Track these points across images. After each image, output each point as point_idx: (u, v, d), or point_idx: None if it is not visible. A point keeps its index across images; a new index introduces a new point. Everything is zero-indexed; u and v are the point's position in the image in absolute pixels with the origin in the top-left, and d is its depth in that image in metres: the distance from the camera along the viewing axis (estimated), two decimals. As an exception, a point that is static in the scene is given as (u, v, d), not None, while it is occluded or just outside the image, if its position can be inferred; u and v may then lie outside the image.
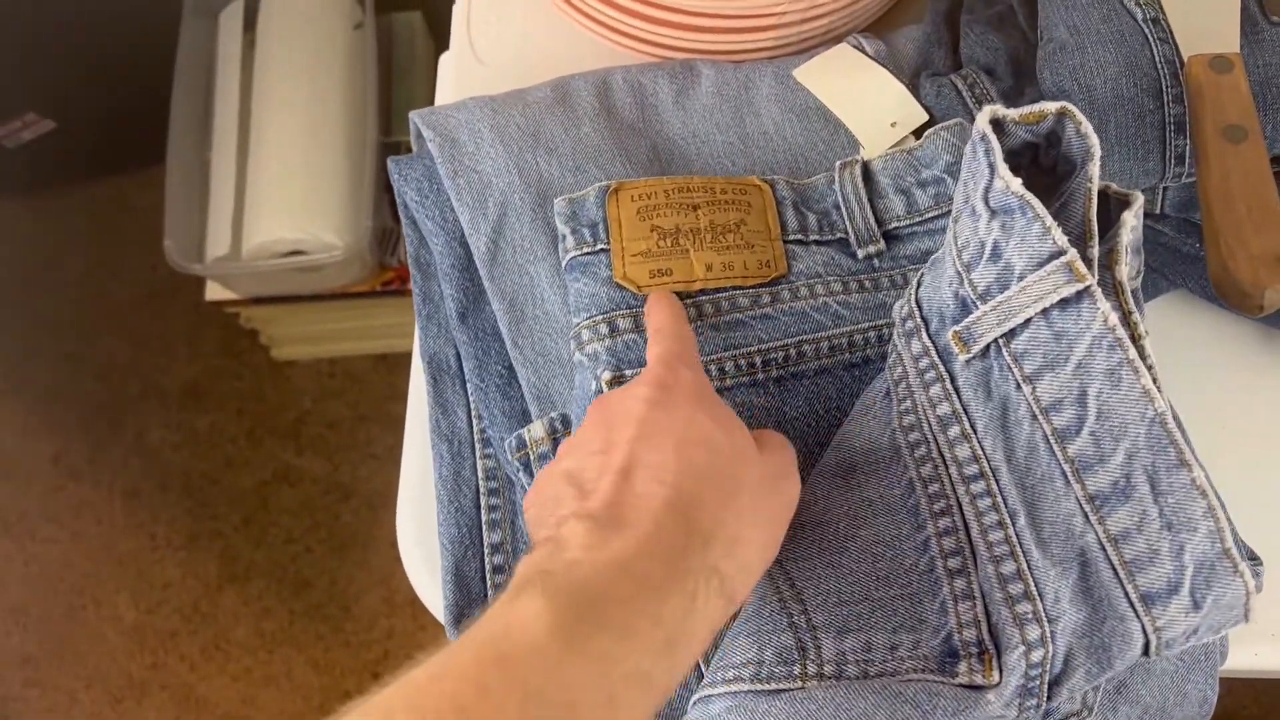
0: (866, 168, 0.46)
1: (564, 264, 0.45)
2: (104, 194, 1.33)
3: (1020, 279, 0.33)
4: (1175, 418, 0.38)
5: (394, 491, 0.49)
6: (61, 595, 1.21)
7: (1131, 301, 0.34)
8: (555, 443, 0.44)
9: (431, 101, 0.55)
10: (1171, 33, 0.41)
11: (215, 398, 1.28)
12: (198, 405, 1.28)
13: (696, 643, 0.29)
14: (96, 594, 1.21)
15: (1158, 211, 0.44)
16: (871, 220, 0.45)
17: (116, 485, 1.25)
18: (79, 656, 1.18)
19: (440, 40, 1.17)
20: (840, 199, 0.46)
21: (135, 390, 1.29)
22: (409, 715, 0.24)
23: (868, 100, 0.48)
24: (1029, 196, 0.33)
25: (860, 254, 0.45)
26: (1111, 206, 0.36)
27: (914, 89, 0.48)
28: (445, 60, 0.57)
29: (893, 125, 0.47)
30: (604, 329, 0.42)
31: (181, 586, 1.21)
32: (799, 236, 0.45)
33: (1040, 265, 0.33)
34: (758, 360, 0.42)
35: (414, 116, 0.50)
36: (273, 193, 0.97)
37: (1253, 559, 0.38)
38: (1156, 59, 0.41)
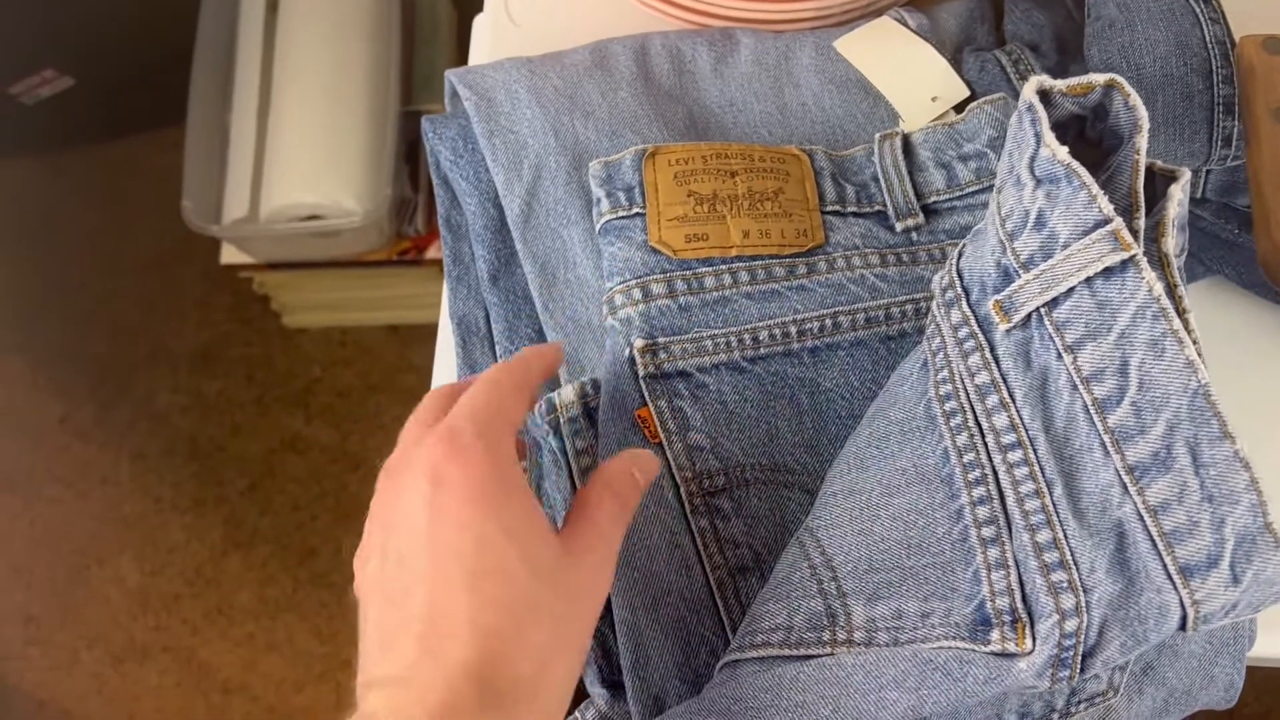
0: (907, 140, 0.46)
1: (598, 227, 0.44)
2: (120, 154, 1.33)
3: (1064, 247, 0.33)
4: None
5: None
6: (65, 555, 1.21)
7: (1177, 275, 0.34)
8: (586, 406, 0.44)
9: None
10: (1223, 12, 0.41)
11: (225, 363, 1.28)
12: (207, 370, 1.28)
13: None
14: (100, 555, 1.21)
15: (1199, 195, 0.44)
16: (910, 193, 0.45)
17: (123, 447, 1.25)
18: (81, 617, 1.19)
19: (463, 9, 1.16)
20: (879, 171, 0.45)
21: (144, 353, 1.29)
22: None
23: (909, 73, 0.47)
24: (1075, 165, 0.33)
25: (898, 227, 0.45)
26: (1157, 183, 0.35)
27: (956, 64, 0.47)
28: (480, 21, 0.57)
29: (933, 99, 0.47)
30: (637, 293, 0.42)
31: (186, 550, 1.21)
32: (836, 207, 0.45)
33: (1085, 233, 0.33)
34: (793, 330, 0.42)
35: (450, 75, 0.49)
36: (293, 156, 0.97)
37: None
38: (1207, 39, 0.40)
